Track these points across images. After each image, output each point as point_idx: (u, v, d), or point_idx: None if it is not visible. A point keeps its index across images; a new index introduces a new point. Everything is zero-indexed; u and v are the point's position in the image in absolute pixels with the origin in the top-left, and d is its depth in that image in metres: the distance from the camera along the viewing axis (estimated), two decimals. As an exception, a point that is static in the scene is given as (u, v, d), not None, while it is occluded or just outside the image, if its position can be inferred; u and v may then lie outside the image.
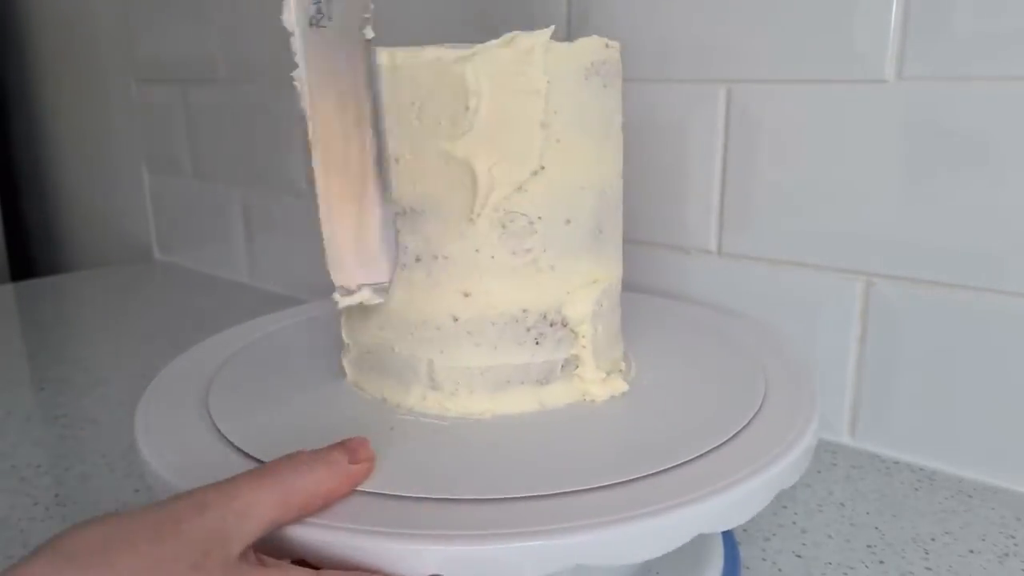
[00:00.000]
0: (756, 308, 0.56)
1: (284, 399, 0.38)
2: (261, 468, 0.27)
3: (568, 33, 0.60)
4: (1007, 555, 0.42)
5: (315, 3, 0.30)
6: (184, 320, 0.84)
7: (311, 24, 0.30)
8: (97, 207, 1.20)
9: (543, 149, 0.33)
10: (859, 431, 0.53)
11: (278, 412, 0.37)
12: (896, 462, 0.52)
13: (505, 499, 0.28)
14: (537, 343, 0.35)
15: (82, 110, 1.17)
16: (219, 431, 0.34)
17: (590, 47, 0.35)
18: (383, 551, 0.26)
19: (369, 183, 0.32)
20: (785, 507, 0.47)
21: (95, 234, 1.22)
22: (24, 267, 1.35)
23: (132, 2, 0.99)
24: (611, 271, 0.38)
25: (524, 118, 0.33)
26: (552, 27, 0.33)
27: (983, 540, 0.43)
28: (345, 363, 0.40)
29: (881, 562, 0.42)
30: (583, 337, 0.36)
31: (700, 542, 0.37)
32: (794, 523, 0.45)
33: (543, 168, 0.34)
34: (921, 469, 0.51)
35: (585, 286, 0.36)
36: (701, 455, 0.31)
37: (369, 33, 0.31)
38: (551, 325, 0.36)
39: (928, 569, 0.41)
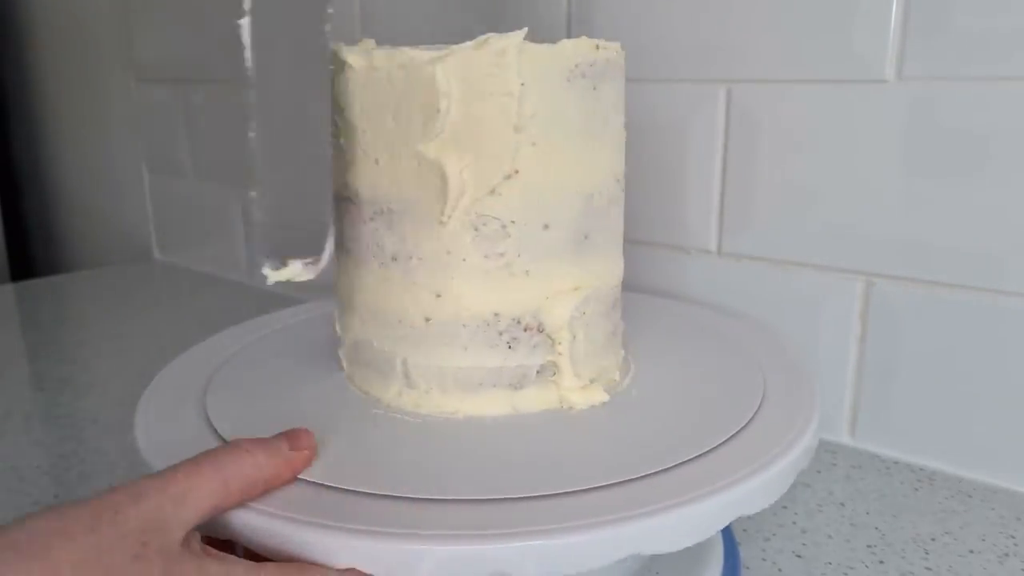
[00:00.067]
0: (756, 308, 0.56)
1: (284, 398, 0.38)
2: (201, 455, 0.27)
3: (568, 33, 0.60)
4: (1007, 555, 0.42)
5: None
6: (184, 320, 0.84)
7: None
8: (97, 207, 1.20)
9: (517, 152, 0.33)
10: (859, 431, 0.53)
11: (277, 412, 0.36)
12: (896, 462, 0.52)
13: (449, 500, 0.28)
14: (510, 347, 0.35)
15: (82, 110, 1.17)
16: (219, 431, 0.34)
17: (574, 49, 0.34)
18: (311, 543, 0.26)
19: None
20: (785, 507, 0.47)
21: (95, 234, 1.22)
22: (24, 267, 1.35)
23: (132, 2, 0.99)
24: (599, 278, 0.37)
25: (496, 120, 0.33)
26: (526, 28, 0.32)
27: (983, 540, 0.43)
28: (340, 355, 0.40)
29: (881, 562, 0.42)
30: (560, 344, 0.35)
31: (700, 542, 0.37)
32: (794, 523, 0.45)
33: (517, 172, 0.33)
34: (921, 469, 0.51)
35: (565, 292, 0.36)
36: (701, 455, 0.31)
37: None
38: (525, 330, 0.35)
39: (928, 569, 0.41)
